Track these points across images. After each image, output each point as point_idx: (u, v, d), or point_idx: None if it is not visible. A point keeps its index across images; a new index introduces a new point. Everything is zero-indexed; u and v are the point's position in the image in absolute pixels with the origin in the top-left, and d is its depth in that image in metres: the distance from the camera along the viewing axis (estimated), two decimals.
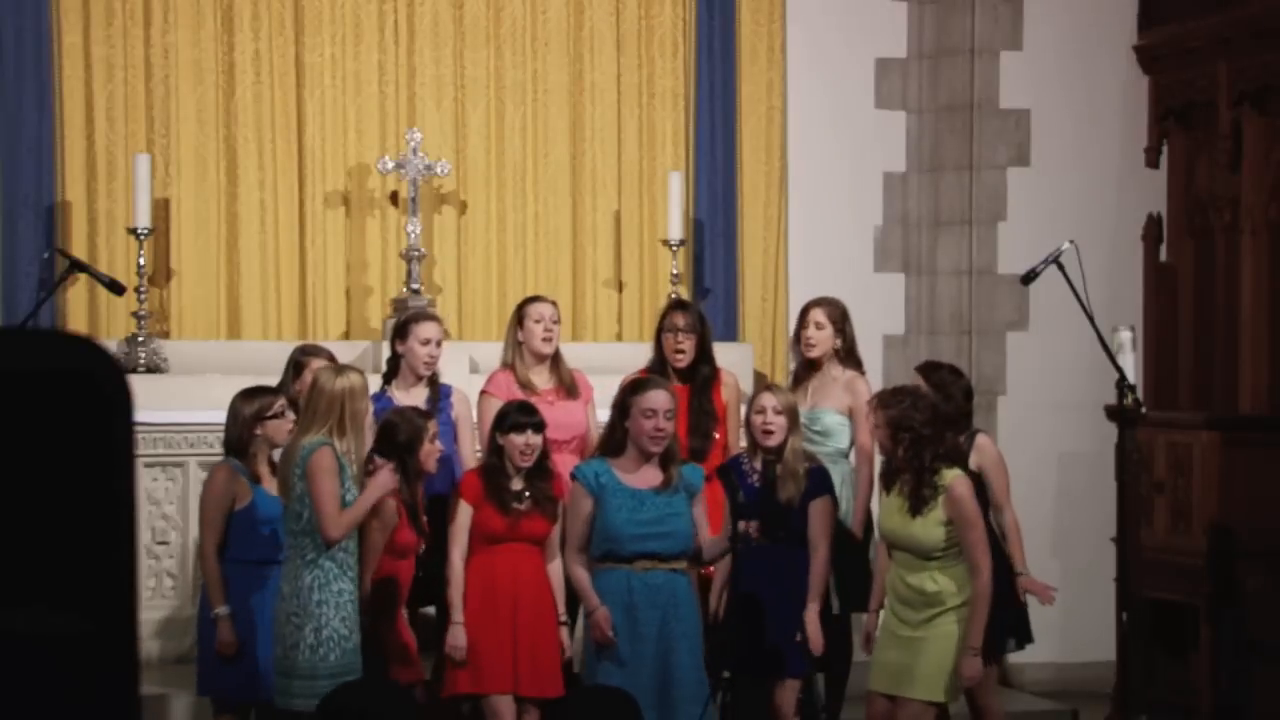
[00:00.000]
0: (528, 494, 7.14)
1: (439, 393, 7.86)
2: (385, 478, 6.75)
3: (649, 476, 6.95)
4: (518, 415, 7.18)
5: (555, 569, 7.25)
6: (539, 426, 7.15)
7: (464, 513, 7.14)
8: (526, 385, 7.79)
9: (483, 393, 7.86)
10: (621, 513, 6.87)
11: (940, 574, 6.79)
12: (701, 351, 7.97)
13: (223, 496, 7.07)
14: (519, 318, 7.96)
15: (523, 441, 7.10)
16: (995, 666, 7.60)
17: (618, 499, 6.89)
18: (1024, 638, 7.65)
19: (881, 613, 7.09)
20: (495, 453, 7.19)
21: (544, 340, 7.86)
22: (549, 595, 7.22)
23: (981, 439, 7.62)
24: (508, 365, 7.92)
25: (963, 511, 6.76)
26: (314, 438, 6.60)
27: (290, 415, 7.09)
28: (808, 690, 7.53)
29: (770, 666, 7.27)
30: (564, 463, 7.73)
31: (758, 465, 7.29)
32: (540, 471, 7.19)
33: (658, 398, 6.93)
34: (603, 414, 7.95)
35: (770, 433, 7.26)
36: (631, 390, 7.06)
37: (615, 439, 7.00)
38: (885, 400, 6.94)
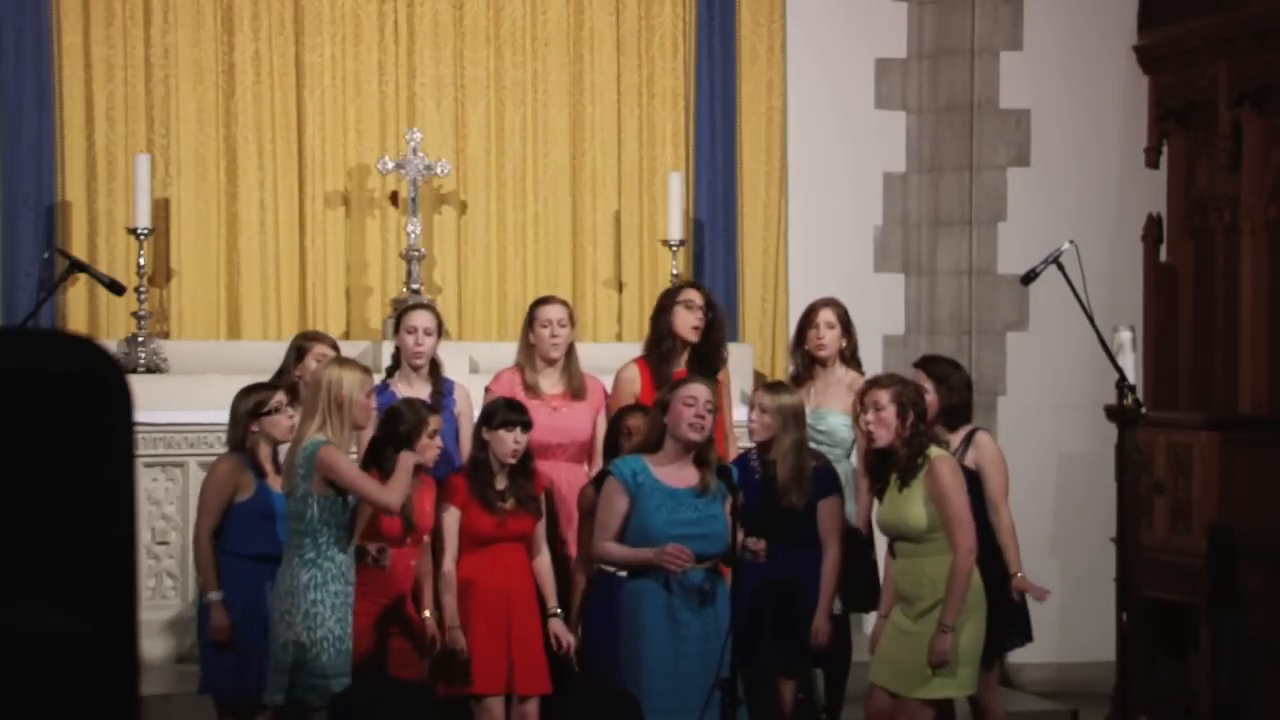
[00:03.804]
0: (510, 493, 7.15)
1: (442, 387, 7.85)
2: (407, 458, 6.77)
3: (687, 476, 6.88)
4: (507, 413, 7.16)
5: (542, 564, 7.28)
6: (527, 426, 7.15)
7: (451, 516, 7.13)
8: (533, 388, 7.77)
9: (487, 389, 7.85)
10: (660, 513, 6.81)
11: (933, 565, 6.81)
12: (711, 334, 7.96)
13: (223, 486, 7.10)
14: (529, 320, 7.94)
15: (511, 439, 7.09)
16: (995, 665, 7.60)
17: (656, 499, 6.84)
18: (1024, 636, 7.65)
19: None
20: (481, 448, 7.18)
21: (551, 344, 7.84)
22: (534, 593, 7.24)
23: (981, 436, 7.61)
24: (519, 365, 7.91)
25: (940, 485, 6.80)
26: (313, 436, 6.61)
27: (289, 411, 7.09)
28: (807, 690, 7.52)
29: (770, 666, 7.27)
30: (561, 469, 7.74)
31: (759, 465, 7.30)
32: (522, 470, 7.18)
33: (698, 388, 6.91)
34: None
35: (753, 431, 7.27)
36: (671, 388, 7.06)
37: (653, 437, 6.99)
38: (884, 382, 6.97)
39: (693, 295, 8.01)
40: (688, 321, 7.92)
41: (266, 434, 7.13)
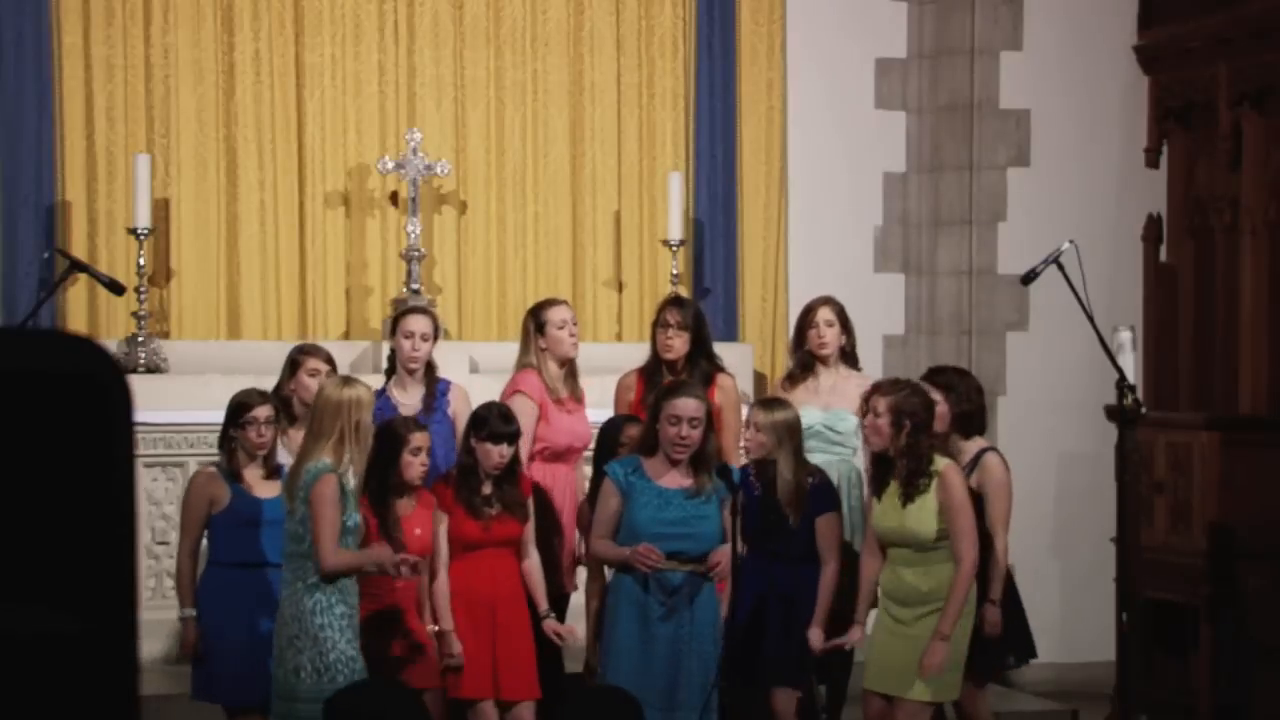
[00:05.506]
0: (497, 499, 7.13)
1: (435, 389, 7.81)
2: (386, 555, 6.71)
3: (679, 477, 6.95)
4: (500, 424, 7.10)
5: (531, 566, 7.25)
6: (514, 439, 7.13)
7: (440, 522, 7.13)
8: (554, 392, 7.72)
9: (516, 392, 7.68)
10: (646, 510, 6.88)
11: (935, 570, 6.80)
12: (697, 349, 7.93)
13: (199, 500, 7.15)
14: (539, 324, 7.79)
15: (497, 453, 7.08)
16: (984, 677, 7.55)
17: (645, 497, 6.90)
18: (1027, 653, 7.62)
19: (873, 612, 7.08)
20: (469, 454, 7.15)
21: (571, 344, 7.76)
22: (524, 597, 7.22)
23: (989, 458, 7.45)
24: (533, 367, 7.76)
25: (953, 497, 6.79)
26: (319, 460, 6.56)
27: (262, 428, 7.08)
28: (808, 692, 7.51)
29: (768, 676, 7.26)
30: (585, 472, 7.73)
31: (756, 482, 7.27)
32: (508, 475, 7.16)
33: (684, 405, 6.92)
34: (597, 414, 7.97)
35: (749, 449, 7.28)
36: (664, 394, 7.07)
37: (649, 439, 7.01)
38: (885, 388, 6.94)
39: (665, 315, 7.96)
40: (661, 342, 7.91)
41: (242, 442, 7.14)
